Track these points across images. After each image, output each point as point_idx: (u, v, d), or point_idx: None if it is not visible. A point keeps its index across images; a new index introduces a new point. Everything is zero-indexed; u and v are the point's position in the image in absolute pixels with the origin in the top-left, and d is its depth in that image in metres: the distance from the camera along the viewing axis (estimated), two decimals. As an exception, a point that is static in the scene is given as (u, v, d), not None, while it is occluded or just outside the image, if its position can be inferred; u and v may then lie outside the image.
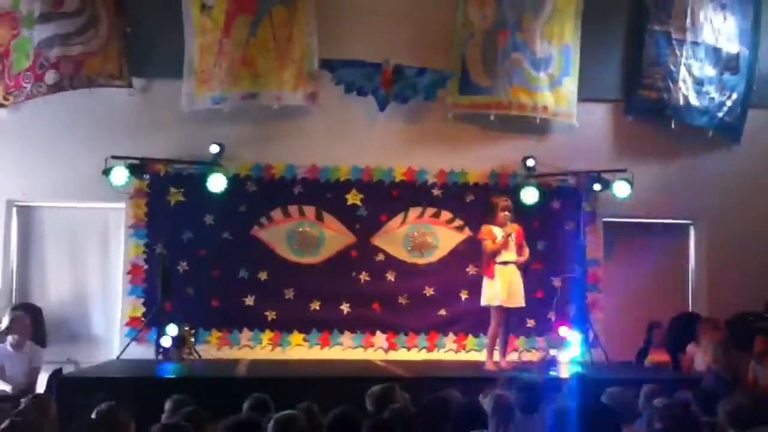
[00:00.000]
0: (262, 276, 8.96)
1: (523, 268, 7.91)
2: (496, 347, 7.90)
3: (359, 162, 9.20)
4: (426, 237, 9.22)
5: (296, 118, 9.07)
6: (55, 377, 7.04)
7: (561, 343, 8.57)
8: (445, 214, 9.26)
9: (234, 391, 5.45)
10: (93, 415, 4.45)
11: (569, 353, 8.55)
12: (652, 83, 9.53)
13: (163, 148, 8.82)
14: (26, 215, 9.13)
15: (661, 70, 9.52)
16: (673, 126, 9.53)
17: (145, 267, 8.84)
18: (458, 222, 9.25)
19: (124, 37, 8.78)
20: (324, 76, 8.82)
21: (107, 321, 9.04)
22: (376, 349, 9.05)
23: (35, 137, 8.83)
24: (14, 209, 9.05)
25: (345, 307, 9.03)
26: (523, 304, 7.85)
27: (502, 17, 9.15)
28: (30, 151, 8.83)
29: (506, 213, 7.85)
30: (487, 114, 9.20)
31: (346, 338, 9.03)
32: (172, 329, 8.25)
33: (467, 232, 9.15)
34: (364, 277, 9.09)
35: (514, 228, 7.85)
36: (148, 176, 8.84)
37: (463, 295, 9.07)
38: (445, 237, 9.22)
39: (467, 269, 9.07)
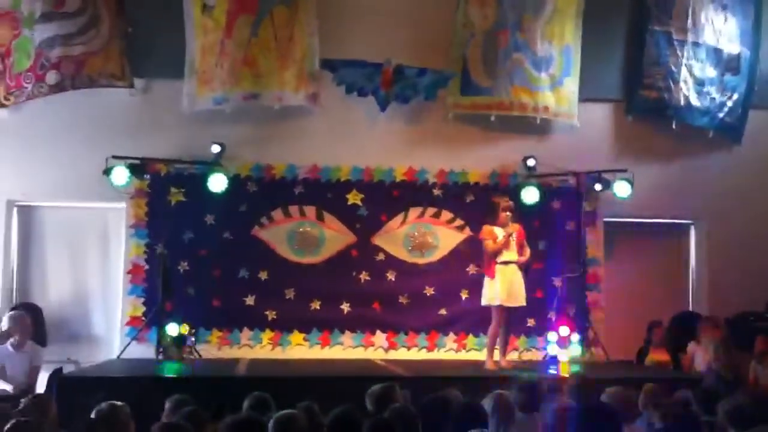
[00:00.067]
0: (263, 276, 8.96)
1: (524, 268, 7.91)
2: (497, 347, 7.90)
3: (360, 162, 9.20)
4: (426, 237, 9.22)
5: (297, 119, 9.08)
6: (56, 377, 7.05)
7: (562, 342, 8.58)
8: (446, 214, 9.26)
9: (234, 390, 5.44)
10: (93, 415, 4.45)
11: (569, 352, 8.56)
12: (652, 83, 9.53)
13: (164, 148, 8.82)
14: (27, 215, 9.14)
15: (661, 70, 9.53)
16: (673, 126, 9.53)
17: (146, 267, 8.84)
18: (459, 222, 9.25)
19: (125, 37, 8.79)
20: (325, 77, 8.83)
21: (108, 321, 9.04)
22: (376, 349, 9.05)
23: (36, 137, 8.83)
24: (15, 209, 9.06)
25: (345, 307, 9.03)
26: (524, 304, 7.85)
27: (503, 17, 9.16)
28: (31, 151, 8.83)
29: (508, 213, 7.84)
30: (488, 114, 9.20)
31: (347, 338, 9.04)
32: (172, 329, 8.25)
33: (467, 232, 9.15)
34: (364, 276, 9.09)
35: (515, 228, 7.85)
36: (148, 176, 8.84)
37: (464, 295, 9.07)
38: (445, 237, 9.23)
39: (467, 269, 9.08)
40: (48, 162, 8.79)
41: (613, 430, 4.32)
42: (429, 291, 9.14)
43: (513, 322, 8.03)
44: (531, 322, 9.03)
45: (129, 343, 8.51)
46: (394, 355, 8.99)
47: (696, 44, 9.60)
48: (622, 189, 8.93)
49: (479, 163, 9.33)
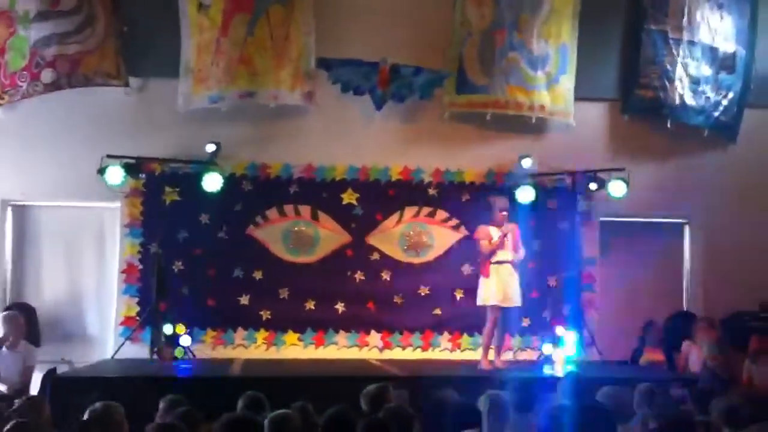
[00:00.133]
0: (257, 275, 8.95)
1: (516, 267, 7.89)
2: (492, 346, 7.89)
3: (355, 161, 9.19)
4: (421, 236, 9.21)
5: (292, 118, 9.07)
6: (50, 377, 7.04)
7: (556, 342, 8.58)
8: (441, 214, 9.25)
9: (228, 390, 5.43)
10: (86, 414, 4.44)
11: (564, 352, 8.56)
12: (648, 82, 9.53)
13: (159, 147, 8.79)
14: (21, 214, 9.10)
15: (657, 69, 9.53)
16: (669, 125, 9.53)
17: (140, 266, 8.82)
18: (454, 221, 9.24)
19: (120, 36, 8.76)
20: (321, 76, 8.82)
21: (102, 320, 9.01)
22: (371, 349, 9.04)
23: (31, 136, 8.81)
24: (9, 208, 9.03)
25: (340, 307, 9.02)
26: (519, 304, 7.86)
27: (500, 17, 9.15)
28: (25, 151, 8.80)
29: (504, 213, 7.84)
30: (484, 113, 9.19)
31: (341, 337, 9.02)
32: (166, 329, 8.25)
33: (463, 232, 9.15)
34: (359, 276, 9.08)
35: (510, 228, 7.84)
36: (143, 175, 8.80)
37: (458, 295, 9.07)
38: (440, 236, 9.22)
39: (462, 268, 9.07)
40: (42, 161, 8.77)
41: (607, 430, 4.32)
42: (424, 291, 9.13)
43: (508, 322, 8.03)
44: (526, 322, 9.03)
45: (123, 343, 8.48)
46: (388, 354, 8.98)
47: (691, 43, 9.61)
48: (617, 188, 8.92)
49: (475, 163, 9.33)
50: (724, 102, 9.75)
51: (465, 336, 9.05)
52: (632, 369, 8.64)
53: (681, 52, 9.57)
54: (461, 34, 9.15)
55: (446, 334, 9.10)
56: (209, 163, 8.71)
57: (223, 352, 8.79)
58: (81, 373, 7.44)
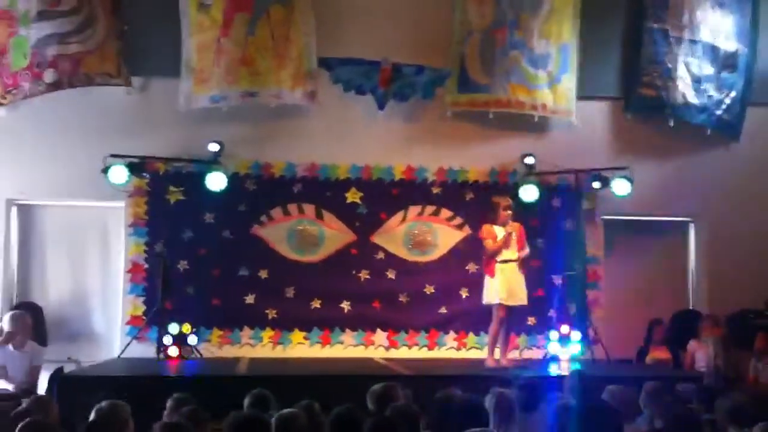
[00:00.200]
0: (263, 274, 8.96)
1: (522, 264, 7.89)
2: (497, 345, 7.90)
3: (359, 160, 9.20)
4: (426, 235, 9.22)
5: (295, 117, 9.07)
6: (57, 376, 7.04)
7: (562, 340, 8.59)
8: (445, 212, 9.26)
9: (235, 389, 5.43)
10: (93, 414, 4.45)
11: (570, 351, 8.57)
12: (650, 81, 9.53)
13: (163, 146, 8.80)
14: (26, 214, 9.13)
15: (659, 67, 9.53)
16: (671, 124, 9.53)
17: (146, 266, 8.83)
18: (458, 220, 9.25)
19: (121, 36, 8.77)
20: (323, 75, 8.83)
21: (108, 320, 9.04)
22: (376, 348, 9.05)
23: (34, 136, 8.82)
24: (14, 208, 9.05)
25: (345, 306, 9.03)
26: (525, 302, 7.85)
27: (501, 16, 9.16)
28: (29, 150, 8.82)
29: (508, 212, 7.85)
30: (486, 112, 9.20)
31: (347, 336, 9.03)
32: (173, 328, 8.27)
33: (467, 230, 9.16)
34: (364, 275, 9.09)
35: (514, 227, 7.84)
36: (147, 175, 8.82)
37: (464, 293, 9.07)
38: (444, 235, 9.23)
39: (467, 267, 9.08)
40: (46, 161, 8.78)
41: (614, 429, 4.33)
42: (429, 289, 9.13)
43: (514, 321, 8.03)
44: (531, 321, 9.03)
45: (129, 343, 8.51)
46: (394, 353, 8.98)
47: (693, 42, 9.61)
48: (621, 187, 8.91)
49: (478, 161, 9.33)
50: (727, 100, 9.75)
51: (471, 335, 9.06)
52: (638, 367, 8.65)
53: (683, 51, 9.57)
54: (462, 33, 9.15)
55: (452, 333, 9.11)
56: (213, 162, 8.72)
57: (229, 351, 8.80)
58: (88, 372, 7.46)
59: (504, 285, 7.67)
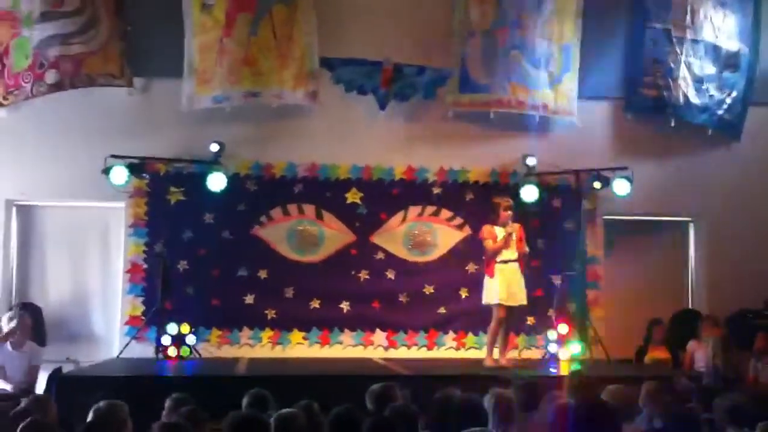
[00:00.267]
0: (262, 275, 8.96)
1: (522, 262, 7.88)
2: (496, 345, 7.89)
3: (359, 161, 9.20)
4: (426, 235, 9.22)
5: (296, 117, 9.08)
6: (56, 376, 7.04)
7: (561, 340, 8.58)
8: (445, 213, 9.26)
9: (234, 389, 5.43)
10: (91, 414, 4.45)
11: (570, 351, 8.56)
12: (652, 81, 9.53)
13: (163, 147, 8.81)
14: (26, 214, 9.14)
15: (660, 68, 9.53)
16: (672, 124, 9.53)
17: (145, 266, 8.84)
18: (458, 220, 9.25)
19: (124, 37, 8.78)
20: (324, 75, 8.84)
21: (107, 320, 9.04)
22: (376, 348, 9.05)
23: (35, 137, 8.84)
24: (14, 208, 9.06)
25: (345, 306, 9.03)
26: (525, 303, 7.85)
27: (502, 16, 9.16)
28: (30, 151, 8.83)
29: (508, 212, 7.84)
30: (487, 112, 9.20)
31: (346, 336, 9.03)
32: (172, 328, 8.26)
33: (467, 231, 9.15)
34: (363, 275, 9.09)
35: (514, 228, 7.84)
36: (147, 175, 8.83)
37: (463, 294, 9.07)
38: (444, 235, 9.23)
39: (467, 267, 9.08)
40: (47, 161, 8.79)
41: (612, 429, 4.32)
42: (428, 290, 9.13)
43: (513, 321, 8.03)
44: (531, 321, 9.04)
45: (128, 343, 8.51)
46: (393, 353, 8.99)
47: (695, 41, 9.60)
48: (621, 187, 8.91)
49: (479, 162, 9.33)
50: (728, 100, 9.75)
51: (470, 335, 9.06)
52: (637, 367, 8.64)
53: (684, 51, 9.57)
54: (463, 33, 9.15)
55: (451, 333, 9.11)
56: (213, 162, 8.73)
57: (228, 351, 8.81)
58: (86, 372, 7.47)
59: (504, 285, 7.67)
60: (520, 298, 7.76)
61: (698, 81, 9.62)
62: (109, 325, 9.01)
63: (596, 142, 9.53)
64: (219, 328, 8.87)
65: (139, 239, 8.88)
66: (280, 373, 7.49)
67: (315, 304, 8.98)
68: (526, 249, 7.92)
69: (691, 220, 9.93)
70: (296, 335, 8.96)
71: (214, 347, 8.81)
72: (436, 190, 9.28)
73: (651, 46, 9.52)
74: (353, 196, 9.18)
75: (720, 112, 9.72)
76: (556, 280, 9.07)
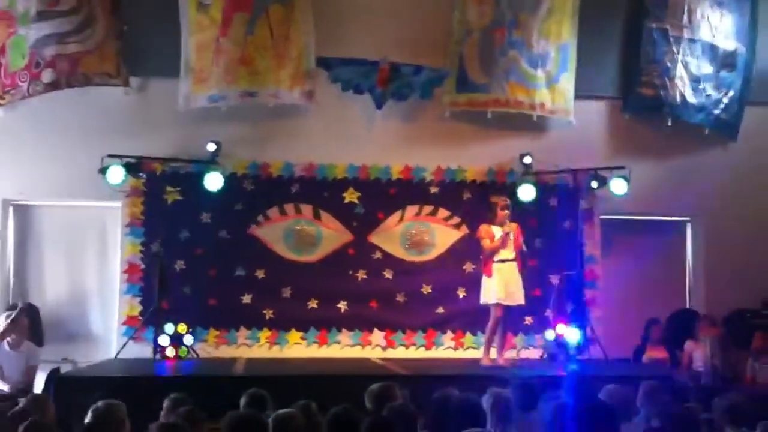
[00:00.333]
0: (260, 274, 8.95)
1: (522, 259, 7.87)
2: (494, 345, 7.89)
3: (356, 160, 9.19)
4: (423, 235, 9.21)
5: (293, 117, 9.07)
6: (53, 376, 7.03)
7: (559, 340, 8.58)
8: (443, 212, 9.26)
9: (232, 389, 5.43)
10: (89, 414, 4.44)
11: (567, 350, 8.55)
12: (649, 81, 9.53)
13: (160, 146, 8.79)
14: (23, 214, 9.12)
15: (658, 67, 9.53)
16: (669, 123, 9.53)
17: (142, 266, 8.82)
18: (455, 220, 9.25)
19: (120, 36, 8.76)
20: (321, 75, 8.83)
21: (104, 320, 9.02)
22: (373, 347, 9.04)
23: (31, 136, 8.81)
24: (11, 208, 9.04)
25: (342, 305, 9.02)
26: (523, 302, 7.84)
27: (500, 15, 9.15)
28: (26, 150, 8.81)
29: (506, 212, 7.84)
30: (484, 112, 9.20)
31: (344, 336, 9.02)
32: (169, 328, 8.25)
33: (464, 230, 9.15)
34: (361, 275, 9.09)
35: (512, 227, 7.84)
36: (144, 175, 8.81)
37: (461, 293, 9.07)
38: (442, 235, 9.22)
39: (465, 267, 9.07)
40: (44, 161, 8.77)
41: (610, 429, 4.32)
42: (426, 289, 9.13)
43: (511, 321, 8.03)
44: (529, 320, 9.03)
45: (126, 343, 8.49)
46: (391, 353, 8.98)
47: (692, 41, 9.61)
48: (618, 186, 8.92)
49: (476, 161, 9.33)
50: (725, 100, 9.75)
51: (468, 335, 9.05)
52: (635, 367, 8.64)
53: (681, 50, 9.57)
54: (461, 32, 9.15)
55: (449, 333, 9.10)
56: (210, 162, 8.72)
57: (226, 351, 8.79)
58: (84, 372, 7.44)
59: (501, 285, 7.67)
60: (518, 297, 7.76)
61: (695, 80, 9.63)
62: (106, 325, 8.99)
63: (593, 141, 9.53)
64: (216, 328, 8.85)
65: (135, 239, 8.87)
66: (277, 373, 7.47)
67: (312, 303, 8.98)
68: (525, 247, 7.92)
69: (689, 219, 9.94)
70: (294, 335, 8.95)
71: (212, 347, 8.80)
72: (434, 190, 9.28)
73: (648, 45, 9.52)
74: (350, 196, 9.17)
75: (717, 111, 9.72)
76: (554, 280, 9.08)
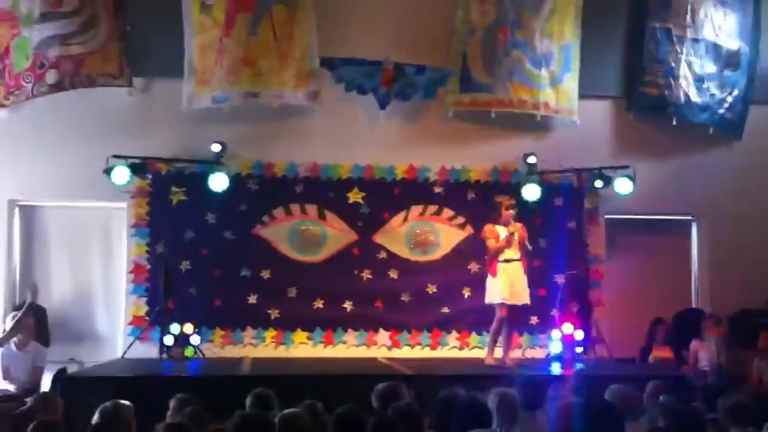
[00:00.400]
0: (265, 274, 8.96)
1: (527, 257, 7.86)
2: (499, 344, 7.89)
3: (360, 160, 9.20)
4: (428, 235, 9.22)
5: (297, 117, 9.08)
6: (60, 376, 7.06)
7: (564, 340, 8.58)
8: (447, 212, 9.26)
9: (238, 389, 5.44)
10: (97, 414, 4.46)
11: (572, 350, 8.55)
12: (653, 80, 9.54)
13: (165, 147, 8.82)
14: (29, 215, 9.14)
15: (661, 66, 9.54)
16: (674, 123, 9.53)
17: (148, 266, 8.85)
18: (460, 219, 9.25)
19: (123, 37, 8.78)
20: (325, 75, 8.84)
21: (110, 320, 9.05)
22: (379, 347, 9.05)
23: (36, 137, 8.83)
24: (17, 209, 9.06)
25: (348, 305, 9.03)
26: (528, 302, 7.82)
27: (503, 15, 9.17)
28: (31, 151, 8.83)
29: (510, 212, 7.84)
30: (488, 111, 9.20)
31: (350, 336, 9.04)
32: (175, 328, 8.27)
33: (469, 230, 9.16)
34: (366, 275, 9.10)
35: (516, 227, 7.83)
36: (149, 175, 8.83)
37: (466, 293, 9.07)
38: (446, 234, 9.23)
39: (469, 267, 9.08)
40: (49, 162, 8.79)
41: (616, 428, 4.32)
42: (431, 289, 9.14)
43: (516, 320, 8.02)
44: (534, 320, 9.04)
45: (132, 343, 8.51)
46: (397, 353, 8.99)
47: (695, 40, 9.61)
48: (623, 186, 8.92)
49: (480, 161, 9.33)
50: (729, 99, 9.75)
51: (473, 334, 9.06)
52: (641, 367, 8.64)
53: (685, 50, 9.57)
54: (464, 32, 9.16)
55: (454, 333, 9.11)
56: (215, 162, 8.73)
57: (232, 351, 8.81)
58: (91, 372, 7.46)
59: (506, 284, 7.67)
60: (524, 297, 7.76)
61: (699, 80, 9.63)
62: (112, 325, 9.02)
63: (598, 141, 9.53)
64: (222, 328, 8.87)
65: (141, 239, 8.89)
66: (283, 372, 7.47)
67: (318, 303, 8.99)
68: (530, 246, 7.91)
69: (693, 218, 9.93)
70: (300, 335, 8.97)
71: (218, 347, 8.82)
72: (438, 190, 9.28)
73: (652, 45, 9.53)
74: (355, 196, 9.18)
75: (721, 110, 9.72)
76: (559, 280, 9.07)
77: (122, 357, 8.44)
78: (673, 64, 9.53)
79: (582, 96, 9.33)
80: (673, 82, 9.52)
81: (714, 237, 9.70)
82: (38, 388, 7.36)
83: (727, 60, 9.76)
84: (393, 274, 9.12)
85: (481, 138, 9.36)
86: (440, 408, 4.75)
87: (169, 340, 8.28)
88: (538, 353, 9.01)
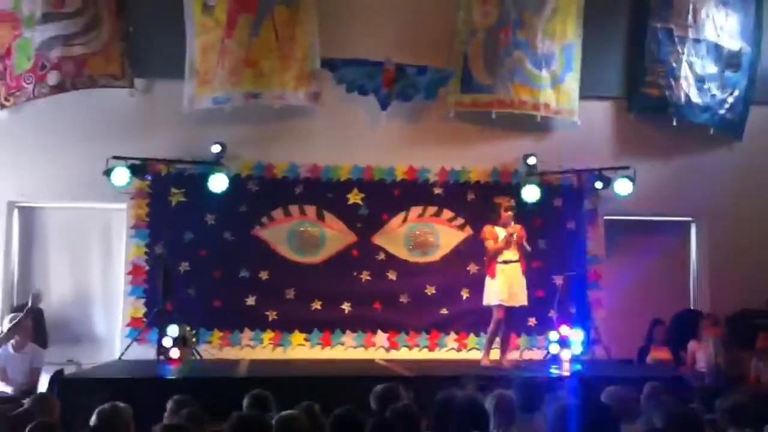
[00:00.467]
0: (263, 276, 8.96)
1: (526, 257, 7.86)
2: (496, 346, 7.88)
3: (360, 161, 9.20)
4: (427, 236, 9.21)
5: (297, 118, 9.08)
6: (57, 378, 7.05)
7: (562, 341, 8.57)
8: (447, 213, 9.26)
9: (235, 391, 5.43)
10: (94, 416, 4.45)
11: (571, 351, 8.55)
12: (654, 80, 9.53)
13: (165, 148, 8.81)
14: (28, 216, 9.14)
15: (662, 67, 9.53)
16: (674, 123, 9.53)
17: (147, 267, 8.84)
18: (459, 221, 9.25)
19: (125, 38, 8.79)
20: (326, 76, 8.85)
21: (108, 322, 9.04)
22: (377, 349, 9.05)
23: (37, 138, 8.84)
24: (15, 210, 9.06)
25: (346, 307, 9.02)
26: (526, 303, 7.83)
27: (504, 15, 9.17)
28: (31, 153, 8.83)
29: (509, 213, 7.84)
30: (489, 112, 9.20)
31: (348, 338, 9.03)
32: (172, 330, 8.25)
33: (468, 231, 9.15)
34: (365, 276, 9.09)
35: (516, 228, 7.83)
36: (149, 176, 8.82)
37: (465, 294, 9.07)
38: (446, 236, 9.22)
39: (468, 268, 9.07)
40: (49, 163, 8.79)
41: (612, 430, 4.32)
42: (430, 290, 9.13)
43: (514, 322, 8.02)
44: (532, 321, 9.03)
45: (130, 344, 8.50)
46: (395, 354, 8.98)
47: (697, 41, 9.61)
48: (623, 187, 8.92)
49: (480, 162, 9.33)
50: (730, 99, 9.75)
51: (472, 336, 9.04)
52: (639, 368, 8.63)
53: (686, 50, 9.57)
54: (465, 32, 9.16)
55: (453, 334, 9.10)
56: (215, 163, 8.73)
57: (230, 353, 8.80)
58: (88, 374, 7.45)
59: (505, 286, 7.67)
60: (521, 298, 7.75)
61: (700, 80, 9.62)
62: (110, 326, 9.02)
63: (598, 141, 9.53)
64: (220, 330, 8.87)
65: (140, 240, 8.89)
66: (281, 374, 7.45)
67: (316, 305, 8.98)
68: (528, 248, 7.90)
69: (693, 219, 9.93)
70: (297, 336, 8.96)
71: (216, 349, 8.81)
72: (437, 191, 9.28)
73: (653, 45, 9.52)
74: (354, 197, 9.18)
75: (722, 111, 9.72)
76: (558, 281, 9.06)
77: (120, 358, 8.43)
78: (674, 65, 9.53)
79: (582, 96, 9.33)
80: (674, 83, 9.51)
81: (713, 238, 9.69)
82: (35, 389, 7.34)
83: (729, 60, 9.75)
84: (392, 276, 9.11)
85: (481, 139, 9.36)
86: (438, 409, 4.75)
87: (167, 342, 8.25)
88: (536, 354, 9.00)
